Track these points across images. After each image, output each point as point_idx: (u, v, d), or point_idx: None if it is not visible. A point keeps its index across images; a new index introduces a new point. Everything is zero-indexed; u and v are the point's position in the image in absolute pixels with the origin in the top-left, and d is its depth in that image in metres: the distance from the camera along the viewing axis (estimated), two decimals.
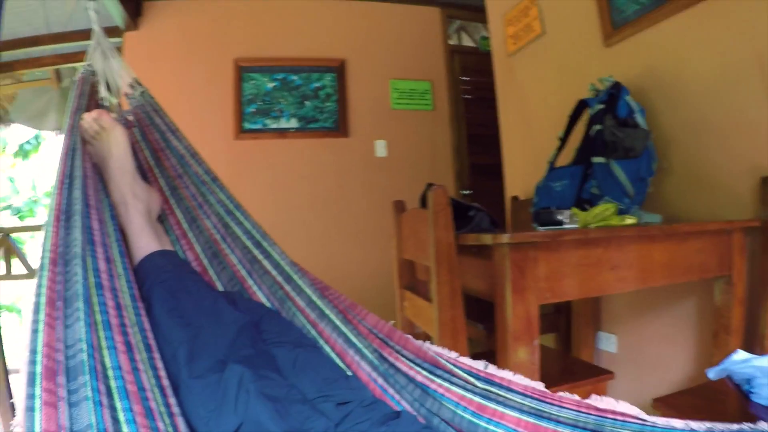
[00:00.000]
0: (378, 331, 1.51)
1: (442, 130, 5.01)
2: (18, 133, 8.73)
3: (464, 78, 5.31)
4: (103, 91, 1.92)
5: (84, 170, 1.51)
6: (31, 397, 0.85)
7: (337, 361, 1.42)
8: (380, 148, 4.78)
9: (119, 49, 4.52)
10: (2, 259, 5.85)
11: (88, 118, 1.68)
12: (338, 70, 4.77)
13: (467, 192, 5.06)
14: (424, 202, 1.94)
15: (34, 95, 5.95)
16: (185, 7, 4.74)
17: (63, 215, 1.30)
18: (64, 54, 5.29)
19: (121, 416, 0.93)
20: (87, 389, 0.90)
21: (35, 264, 5.15)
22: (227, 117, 4.66)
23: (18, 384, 0.94)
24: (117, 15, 4.42)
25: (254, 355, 1.28)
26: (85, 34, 4.82)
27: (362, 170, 4.75)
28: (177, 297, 1.43)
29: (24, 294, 8.58)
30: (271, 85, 4.71)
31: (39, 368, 0.90)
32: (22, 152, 9.02)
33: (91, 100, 1.83)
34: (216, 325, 1.35)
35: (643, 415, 1.12)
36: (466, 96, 5.31)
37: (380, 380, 1.35)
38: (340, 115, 4.77)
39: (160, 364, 1.21)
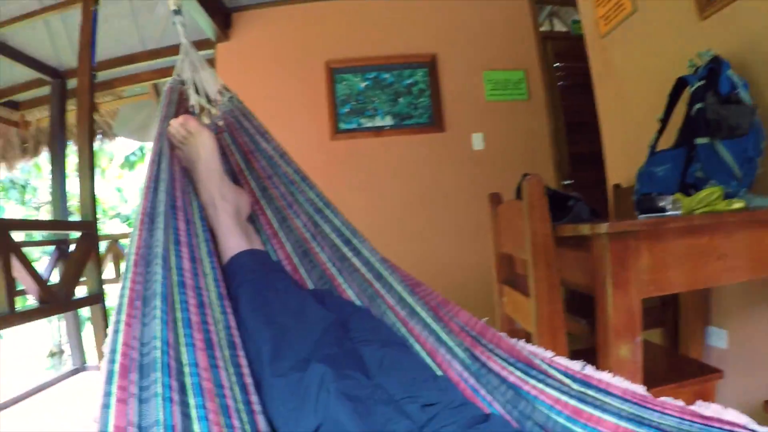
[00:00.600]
0: (470, 328, 1.46)
1: (538, 119, 4.85)
2: (123, 146, 9.19)
3: (558, 64, 5.12)
4: (192, 99, 1.96)
5: (172, 173, 1.55)
6: (107, 394, 0.86)
7: (427, 360, 1.37)
8: (477, 142, 4.66)
9: (211, 60, 4.64)
10: (111, 264, 6.12)
11: (175, 124, 1.73)
12: (430, 65, 4.68)
13: (568, 182, 4.89)
14: (519, 193, 1.87)
15: (135, 110, 6.21)
16: (273, 14, 4.80)
17: (147, 218, 1.32)
18: (160, 69, 5.51)
19: (193, 413, 0.93)
20: (158, 386, 0.90)
21: None
22: (322, 119, 4.66)
23: (99, 381, 0.96)
24: (207, 28, 4.53)
25: (339, 354, 1.24)
26: (177, 49, 4.99)
27: (459, 165, 4.64)
28: (263, 295, 1.43)
29: None
30: (363, 84, 4.68)
31: (116, 366, 0.91)
32: (128, 163, 9.51)
33: (180, 108, 1.88)
34: (302, 324, 1.32)
35: (753, 425, 1.00)
36: (562, 83, 5.12)
37: (471, 380, 1.28)
38: (435, 110, 4.67)
39: (243, 362, 1.22)
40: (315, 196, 1.76)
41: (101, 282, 3.09)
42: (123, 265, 5.13)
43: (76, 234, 5.09)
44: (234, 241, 1.61)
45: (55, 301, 2.72)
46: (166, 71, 5.37)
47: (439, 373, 1.33)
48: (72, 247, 5.00)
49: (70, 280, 2.88)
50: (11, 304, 2.44)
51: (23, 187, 9.05)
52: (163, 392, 0.89)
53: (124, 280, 1.13)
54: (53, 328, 9.30)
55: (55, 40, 5.16)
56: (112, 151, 9.63)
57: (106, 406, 0.84)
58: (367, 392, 1.10)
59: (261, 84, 4.61)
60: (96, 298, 3.07)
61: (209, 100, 2.03)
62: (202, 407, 0.95)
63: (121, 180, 9.91)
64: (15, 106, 6.53)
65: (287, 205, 1.80)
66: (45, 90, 5.85)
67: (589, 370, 1.24)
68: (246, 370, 1.20)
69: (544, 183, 1.76)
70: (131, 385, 0.89)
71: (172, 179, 1.54)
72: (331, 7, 4.74)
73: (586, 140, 4.27)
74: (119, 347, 0.95)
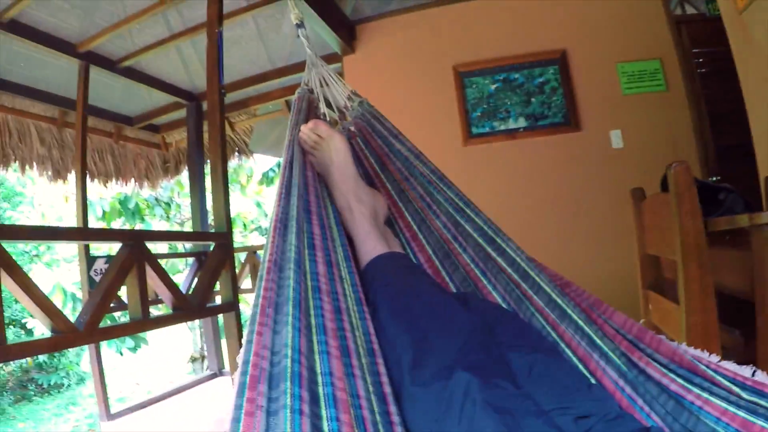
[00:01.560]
0: (626, 331, 1.33)
1: (679, 111, 4.52)
2: (262, 162, 9.58)
3: (696, 50, 4.79)
4: (323, 108, 1.97)
5: (305, 179, 1.54)
6: (237, 407, 0.83)
7: (580, 367, 1.25)
8: (615, 139, 4.41)
9: (339, 74, 4.69)
10: (249, 275, 6.32)
11: (306, 129, 1.72)
12: (560, 61, 4.51)
13: (716, 178, 4.52)
14: (664, 185, 1.71)
15: (269, 126, 6.42)
16: (396, 23, 4.81)
17: (280, 224, 1.31)
18: (290, 86, 5.66)
19: (325, 425, 0.87)
20: (287, 397, 0.86)
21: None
22: (454, 124, 4.60)
23: (232, 393, 0.94)
24: (333, 42, 4.60)
25: (486, 360, 1.15)
26: (305, 65, 5.12)
27: (597, 164, 4.42)
28: (404, 299, 1.36)
29: None
30: (493, 86, 4.57)
31: (246, 378, 0.88)
32: (266, 179, 9.90)
33: (310, 116, 1.89)
34: (445, 329, 1.23)
35: None
36: (701, 70, 4.78)
37: (628, 389, 1.15)
38: (569, 108, 4.48)
39: (382, 370, 1.16)
40: (454, 196, 1.70)
41: (236, 291, 3.17)
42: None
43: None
44: (371, 245, 1.57)
45: (188, 308, 2.80)
46: (296, 87, 5.50)
47: (593, 381, 1.22)
48: None
49: (204, 288, 2.96)
50: (145, 310, 2.54)
51: (167, 204, 9.59)
52: (293, 404, 0.85)
53: (258, 288, 1.11)
54: (195, 335, 9.75)
55: (187, 64, 5.42)
56: (250, 167, 10.06)
57: (236, 420, 0.81)
58: (515, 403, 1.01)
59: (389, 94, 4.60)
60: (229, 307, 3.14)
61: (339, 107, 2.05)
62: (335, 419, 0.90)
63: (260, 195, 10.32)
64: (155, 129, 6.95)
65: (426, 206, 1.75)
66: (182, 113, 6.19)
67: (762, 377, 1.09)
68: (385, 379, 1.14)
69: (692, 173, 1.60)
70: (260, 397, 0.86)
71: (306, 185, 1.54)
72: (454, 10, 4.68)
73: (733, 131, 3.95)
74: (250, 357, 0.93)
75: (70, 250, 11.66)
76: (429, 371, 1.11)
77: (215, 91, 3.34)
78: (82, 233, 3.69)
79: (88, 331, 2.30)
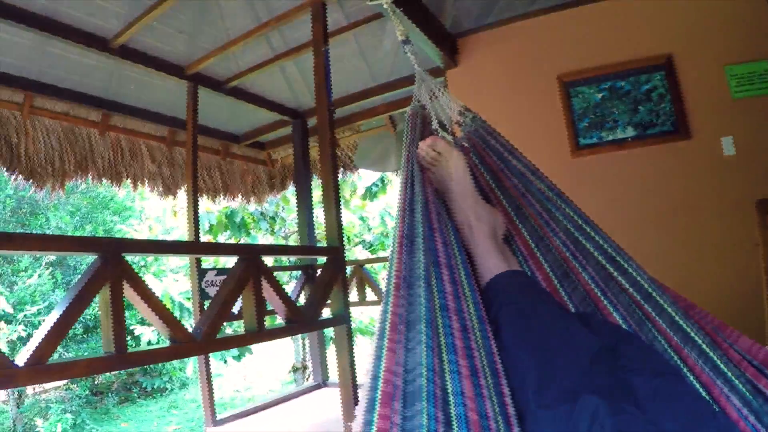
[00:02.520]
0: (752, 357, 1.27)
1: None
2: (365, 177, 9.70)
3: None
4: (435, 123, 1.98)
5: (425, 196, 1.54)
6: (368, 423, 0.84)
7: (703, 393, 1.21)
8: (727, 146, 4.19)
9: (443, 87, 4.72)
10: (355, 287, 6.40)
11: (424, 146, 1.72)
12: (666, 66, 4.31)
13: None
14: None
15: (373, 142, 6.49)
16: (498, 35, 4.76)
17: (406, 240, 1.31)
18: (394, 101, 5.71)
19: None
20: (423, 417, 0.86)
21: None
22: (561, 136, 4.50)
23: (359, 409, 0.94)
24: (435, 57, 4.61)
25: (611, 384, 1.13)
26: (408, 81, 5.17)
27: (709, 173, 4.19)
28: (526, 319, 1.34)
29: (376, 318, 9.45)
30: (599, 95, 4.44)
31: (378, 394, 0.88)
32: (370, 194, 9.98)
33: (425, 131, 1.89)
34: (568, 350, 1.21)
35: None
36: None
37: (752, 419, 1.10)
38: (677, 115, 4.28)
39: (506, 391, 1.15)
40: (573, 212, 1.67)
41: (347, 304, 3.22)
42: (374, 290, 5.34)
43: (322, 259, 5.42)
44: (492, 263, 1.55)
45: (301, 320, 2.86)
46: (399, 103, 5.61)
47: (716, 408, 1.17)
48: (318, 272, 5.34)
49: (316, 301, 3.02)
50: (260, 322, 2.60)
51: (272, 218, 9.80)
52: (429, 424, 0.86)
53: (385, 303, 1.12)
54: (298, 345, 9.90)
55: (291, 83, 5.55)
56: (354, 182, 10.19)
57: None
58: (643, 429, 0.99)
59: (494, 106, 4.54)
60: (341, 320, 3.19)
61: (445, 124, 2.05)
62: None
63: (363, 209, 10.45)
64: (261, 146, 7.17)
65: (544, 223, 1.72)
66: (287, 130, 6.34)
67: None
68: (508, 400, 1.13)
69: None
70: (395, 415, 0.87)
71: (427, 201, 1.54)
72: (555, 19, 4.59)
73: None
74: (382, 374, 0.94)
75: (176, 261, 12.14)
76: (554, 393, 1.10)
77: (324, 108, 3.41)
78: (205, 247, 3.87)
79: (206, 341, 2.39)
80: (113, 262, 2.06)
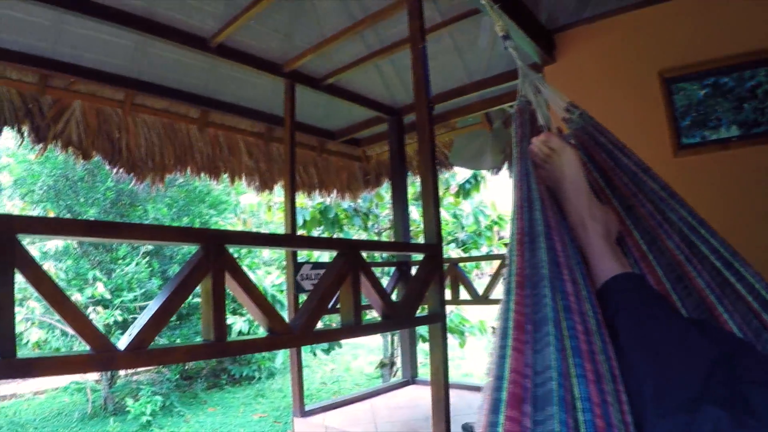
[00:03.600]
0: None
1: None
2: (459, 174, 9.67)
3: None
4: (542, 119, 1.94)
5: (540, 193, 1.50)
6: (493, 425, 0.82)
7: None
8: None
9: None
10: (449, 287, 6.37)
11: (537, 142, 1.69)
12: None
13: None
14: None
15: (468, 139, 6.44)
16: (596, 29, 4.62)
17: (526, 237, 1.29)
18: (490, 99, 5.63)
19: None
20: (554, 423, 0.84)
21: (479, 291, 5.46)
22: (662, 134, 4.31)
23: (480, 410, 0.92)
24: (532, 53, 4.53)
25: (731, 395, 1.06)
26: (504, 77, 5.11)
27: None
28: (644, 325, 1.28)
29: (472, 318, 9.39)
30: (702, 92, 4.22)
31: (504, 395, 0.86)
32: (463, 191, 9.92)
33: (532, 128, 1.85)
34: (687, 358, 1.15)
35: None
36: None
37: None
38: None
39: (624, 398, 1.10)
40: (687, 214, 1.63)
41: (443, 302, 3.20)
42: (468, 289, 5.31)
43: (417, 256, 5.42)
44: (607, 264, 1.49)
45: (397, 317, 2.85)
46: (495, 100, 5.55)
47: None
48: (413, 270, 5.34)
49: (413, 298, 3.01)
50: (357, 317, 2.61)
51: (365, 215, 9.86)
52: (561, 430, 0.84)
53: (507, 302, 1.11)
54: (387, 341, 9.93)
55: (386, 80, 5.57)
56: (447, 179, 10.16)
57: None
58: None
59: (592, 103, 4.29)
60: (436, 317, 3.17)
61: (552, 120, 2.01)
62: None
63: (456, 207, 10.39)
64: (356, 143, 7.23)
65: (657, 224, 1.66)
66: (382, 127, 6.37)
67: None
68: (626, 407, 1.09)
69: None
70: (525, 418, 0.86)
71: (542, 199, 1.51)
72: (655, 12, 4.38)
73: None
74: (508, 374, 0.92)
75: (268, 254, 12.41)
76: (672, 402, 1.05)
77: (423, 105, 3.40)
78: (304, 241, 3.92)
79: (303, 333, 2.42)
80: (216, 253, 2.11)
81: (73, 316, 1.81)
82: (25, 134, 4.85)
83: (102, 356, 1.84)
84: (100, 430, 9.50)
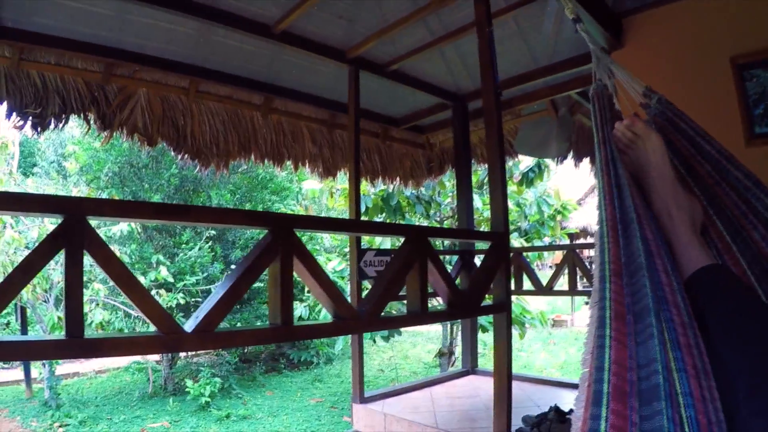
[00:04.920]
0: None
1: None
2: (522, 162, 9.55)
3: None
4: (618, 104, 1.87)
5: (627, 179, 1.45)
6: (596, 417, 0.78)
7: None
8: None
9: None
10: (512, 276, 6.29)
11: (621, 127, 1.63)
12: None
13: None
14: None
15: (534, 127, 6.31)
16: (666, 13, 4.43)
17: (619, 225, 1.24)
18: (556, 85, 5.50)
19: None
20: (663, 418, 0.79)
21: (542, 281, 5.38)
22: (733, 123, 4.04)
23: (578, 402, 0.89)
24: (599, 37, 4.41)
25: None
26: (570, 63, 4.99)
27: None
28: (736, 319, 1.22)
29: (532, 309, 9.28)
30: None
31: (606, 387, 0.82)
32: (527, 180, 9.78)
33: (612, 112, 1.78)
34: None
35: None
36: None
37: None
38: None
39: (716, 394, 1.04)
40: None
41: (509, 291, 3.15)
42: (532, 279, 5.22)
43: (480, 245, 5.36)
44: (694, 254, 1.42)
45: (463, 305, 2.82)
46: (562, 86, 5.43)
47: None
48: (475, 259, 5.29)
49: (479, 287, 2.97)
50: (424, 304, 2.58)
51: (428, 202, 9.81)
52: (668, 426, 0.80)
53: (603, 290, 1.06)
54: (446, 330, 9.90)
55: (450, 66, 5.50)
56: (511, 168, 10.04)
57: (594, 431, 0.78)
58: None
59: (660, 89, 4.26)
60: (502, 307, 3.13)
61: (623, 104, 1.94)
62: None
63: (519, 195, 10.24)
64: (420, 130, 7.18)
65: (742, 214, 1.57)
66: (446, 114, 6.30)
67: None
68: (718, 404, 1.03)
69: None
70: (632, 413, 0.82)
71: (629, 185, 1.45)
72: None
73: None
74: (609, 365, 0.89)
75: (329, 241, 12.50)
76: (767, 400, 0.99)
77: (490, 91, 3.35)
78: (373, 227, 3.92)
79: (369, 319, 2.40)
80: (284, 237, 2.11)
81: (141, 297, 1.83)
82: (92, 122, 4.98)
83: (169, 338, 1.85)
84: (159, 410, 9.76)
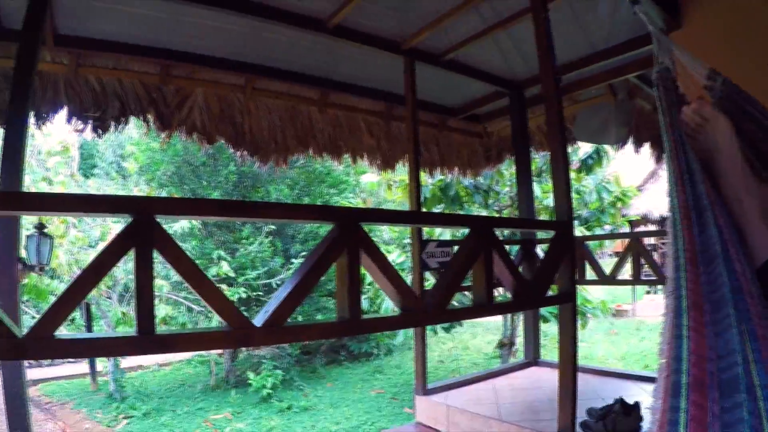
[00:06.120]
0: None
1: None
2: (580, 149, 9.39)
3: None
4: (681, 87, 1.81)
5: (698, 164, 1.40)
6: (675, 409, 0.76)
7: None
8: None
9: None
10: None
11: (688, 111, 1.58)
12: None
13: None
14: None
15: (592, 112, 6.17)
16: None
17: (693, 212, 1.20)
18: (613, 69, 5.37)
19: None
20: (743, 411, 0.78)
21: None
22: None
23: (656, 393, 0.86)
24: (657, 18, 4.27)
25: None
26: (627, 46, 4.87)
27: None
28: None
29: (593, 298, 9.12)
30: None
31: (685, 378, 0.80)
32: (585, 167, 9.61)
33: (677, 96, 1.73)
34: None
35: None
36: None
37: None
38: None
39: None
40: None
41: (573, 282, 3.11)
42: (595, 269, 5.12)
43: (542, 234, 5.29)
44: (766, 242, 1.36)
45: (528, 296, 2.79)
46: (620, 70, 5.31)
47: None
48: (537, 248, 5.22)
49: (544, 277, 2.93)
50: (489, 295, 2.56)
51: (486, 192, 9.72)
52: (748, 419, 0.78)
53: (678, 279, 1.04)
54: (506, 321, 9.82)
55: (505, 54, 5.43)
56: (569, 154, 9.87)
57: (673, 422, 0.76)
58: None
59: (723, 71, 4.10)
60: (567, 297, 3.08)
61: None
62: None
63: (578, 183, 10.06)
64: (476, 119, 7.11)
65: None
66: (502, 102, 6.23)
67: None
68: None
69: None
70: (713, 405, 0.80)
71: (700, 171, 1.40)
72: None
73: None
74: (688, 356, 0.86)
75: (387, 233, 12.54)
76: None
77: (549, 76, 3.30)
78: (438, 218, 3.90)
79: (436, 311, 2.39)
80: (351, 231, 2.11)
81: (211, 293, 1.86)
82: (151, 122, 5.11)
83: (239, 333, 1.88)
84: (221, 401, 9.99)
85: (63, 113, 4.71)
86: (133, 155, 12.68)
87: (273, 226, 11.97)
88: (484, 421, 4.31)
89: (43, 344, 1.65)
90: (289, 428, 8.66)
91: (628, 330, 14.65)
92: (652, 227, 16.89)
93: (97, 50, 4.55)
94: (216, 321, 10.04)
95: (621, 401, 3.77)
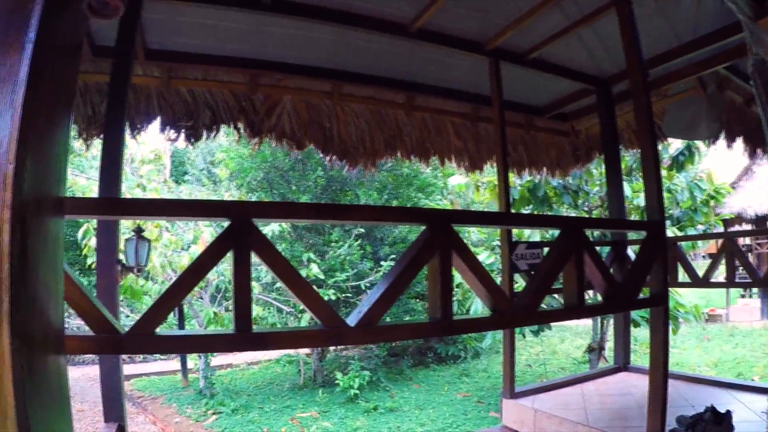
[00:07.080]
0: None
1: None
2: (670, 145, 9.09)
3: None
4: None
5: None
6: None
7: None
8: None
9: None
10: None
11: None
12: None
13: None
14: None
15: (681, 107, 5.96)
16: None
17: None
18: (701, 61, 5.18)
19: None
20: None
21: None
22: None
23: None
24: (744, 5, 4.11)
25: None
26: (714, 36, 4.70)
27: None
28: None
29: (685, 302, 8.81)
30: None
31: None
32: (677, 164, 9.29)
33: None
34: None
35: None
36: None
37: None
38: None
39: None
40: None
41: (666, 284, 3.02)
42: (688, 271, 4.95)
43: (633, 235, 5.17)
44: None
45: (619, 299, 2.74)
46: (708, 62, 5.12)
47: None
48: (628, 249, 5.10)
49: (636, 279, 2.88)
50: (581, 297, 2.54)
51: (575, 192, 9.51)
52: None
53: None
54: (596, 325, 9.61)
55: (590, 50, 5.34)
56: (660, 152, 9.55)
57: None
58: None
59: None
60: (659, 300, 3.01)
61: None
62: None
63: (669, 181, 9.70)
64: (564, 117, 6.99)
65: None
66: (589, 99, 6.13)
67: None
68: None
69: None
70: None
71: None
72: None
73: None
74: None
75: (476, 235, 12.50)
76: None
77: (636, 71, 3.24)
78: (530, 219, 3.87)
79: (527, 313, 2.39)
80: (442, 232, 2.13)
81: (306, 293, 1.92)
82: (241, 130, 5.30)
83: (332, 332, 1.93)
84: (308, 400, 10.17)
85: (156, 123, 4.97)
86: (223, 162, 13.06)
87: (362, 230, 12.12)
88: (572, 427, 4.26)
89: (145, 340, 1.75)
90: (374, 428, 8.71)
91: (721, 336, 14.03)
92: (747, 227, 16.24)
93: (187, 63, 4.79)
94: (305, 321, 10.26)
95: (712, 409, 3.66)
